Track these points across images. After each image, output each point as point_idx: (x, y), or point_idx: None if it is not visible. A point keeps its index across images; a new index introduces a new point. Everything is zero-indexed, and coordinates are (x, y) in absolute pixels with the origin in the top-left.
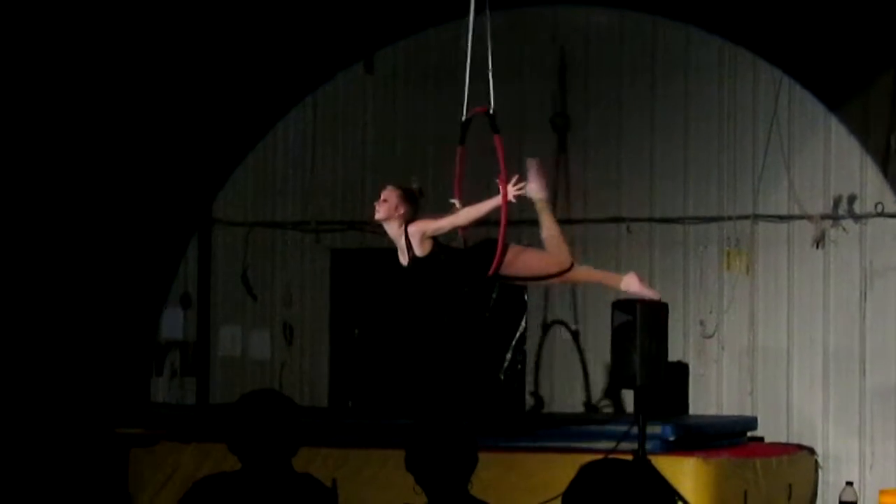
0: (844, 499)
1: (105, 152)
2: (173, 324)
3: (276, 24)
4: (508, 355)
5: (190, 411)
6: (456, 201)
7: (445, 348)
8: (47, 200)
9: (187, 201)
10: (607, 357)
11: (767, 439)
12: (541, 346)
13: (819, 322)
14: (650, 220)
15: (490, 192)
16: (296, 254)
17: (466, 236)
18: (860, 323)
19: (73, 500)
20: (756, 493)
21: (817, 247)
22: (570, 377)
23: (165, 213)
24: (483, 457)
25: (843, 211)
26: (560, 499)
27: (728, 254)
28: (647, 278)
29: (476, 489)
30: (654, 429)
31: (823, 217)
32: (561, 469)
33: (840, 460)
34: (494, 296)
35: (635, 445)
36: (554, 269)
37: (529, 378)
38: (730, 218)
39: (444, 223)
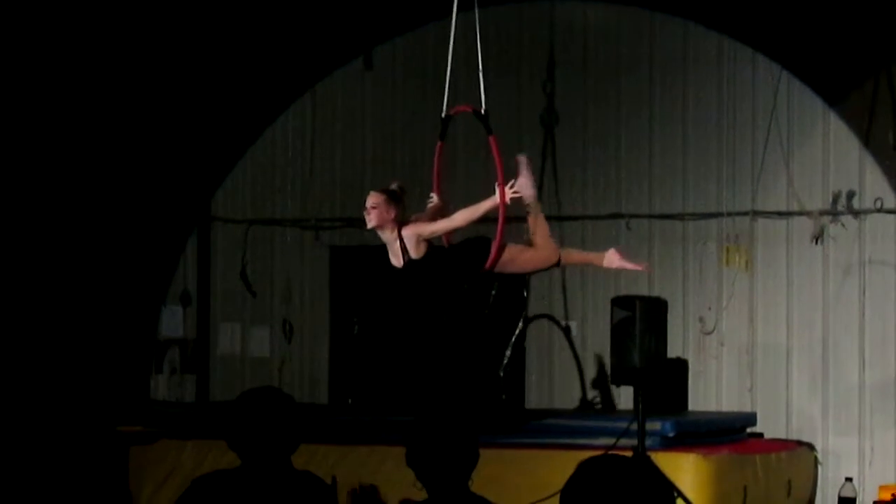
0: (844, 494)
1: (104, 150)
2: (173, 321)
3: (275, 20)
4: (508, 352)
5: (189, 409)
6: (434, 196)
7: (445, 345)
8: (46, 198)
9: (186, 198)
10: (604, 353)
11: (767, 435)
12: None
13: (818, 318)
14: (649, 216)
15: (487, 192)
16: (295, 251)
17: (450, 239)
18: (859, 319)
19: (73, 498)
20: (755, 489)
21: (816, 243)
22: (565, 373)
23: (164, 211)
24: (482, 453)
25: (842, 207)
26: (559, 495)
27: (727, 250)
28: (646, 275)
29: (475, 486)
30: (654, 425)
31: (822, 213)
32: (560, 465)
33: (839, 456)
34: (494, 293)
35: (635, 442)
36: (544, 266)
37: (531, 377)
38: (729, 214)
39: (440, 226)
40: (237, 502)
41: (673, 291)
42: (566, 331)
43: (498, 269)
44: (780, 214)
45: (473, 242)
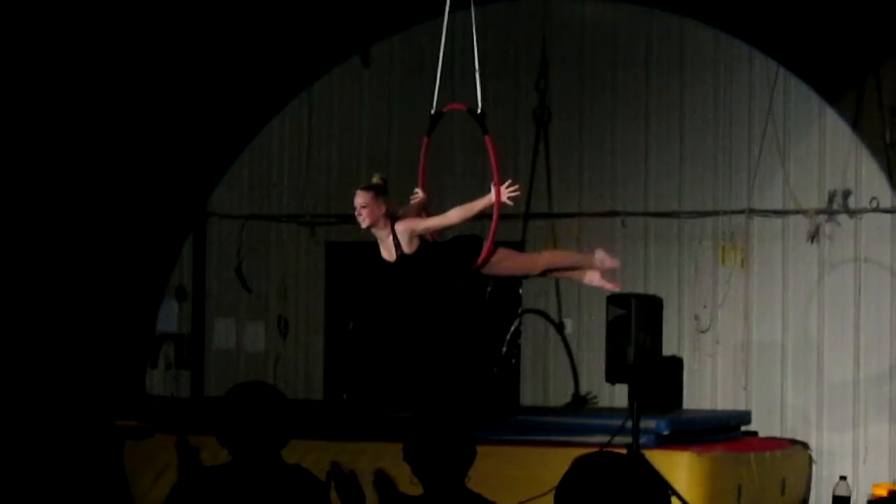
0: (838, 493)
1: (101, 147)
2: (168, 316)
3: (272, 16)
4: (504, 349)
5: (184, 404)
6: (418, 190)
7: (439, 342)
8: (43, 195)
9: (183, 194)
10: (599, 350)
11: (761, 434)
12: (519, 337)
13: (813, 317)
14: (645, 214)
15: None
16: (291, 247)
17: (436, 236)
18: (854, 318)
19: (69, 492)
20: (750, 487)
21: (812, 241)
22: (559, 370)
23: (161, 207)
24: (478, 450)
25: (837, 206)
26: (554, 492)
27: (723, 248)
28: (641, 273)
29: (470, 482)
30: (649, 423)
31: (818, 212)
32: (555, 462)
33: (833, 455)
34: (489, 290)
35: (629, 439)
36: (529, 273)
37: (527, 374)
38: (725, 212)
39: (434, 222)
40: (227, 497)
41: (668, 289)
42: (560, 328)
43: (485, 269)
44: (776, 213)
45: (465, 240)
